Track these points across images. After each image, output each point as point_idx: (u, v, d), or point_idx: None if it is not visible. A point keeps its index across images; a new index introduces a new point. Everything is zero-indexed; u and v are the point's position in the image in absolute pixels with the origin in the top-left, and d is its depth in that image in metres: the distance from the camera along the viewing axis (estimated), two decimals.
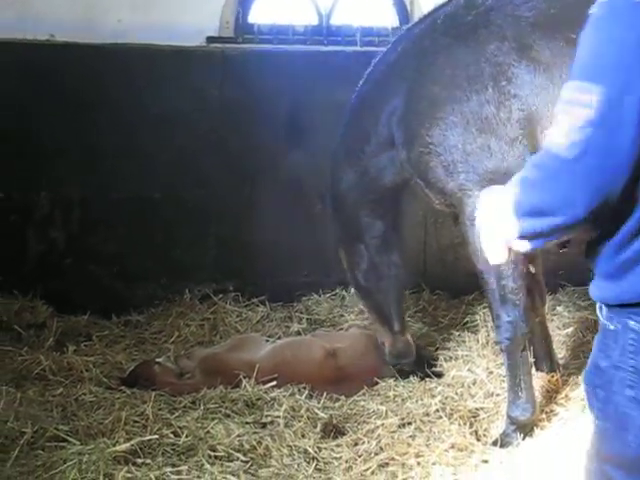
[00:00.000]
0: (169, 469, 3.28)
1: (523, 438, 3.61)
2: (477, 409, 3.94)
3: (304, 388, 4.10)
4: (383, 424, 3.74)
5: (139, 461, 3.35)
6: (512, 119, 3.46)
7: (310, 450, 3.52)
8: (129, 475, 3.21)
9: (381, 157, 3.99)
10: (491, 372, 4.28)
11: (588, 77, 1.75)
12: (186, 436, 3.56)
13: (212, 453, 3.44)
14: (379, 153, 3.98)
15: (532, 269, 4.00)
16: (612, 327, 1.88)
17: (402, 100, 3.75)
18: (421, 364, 4.39)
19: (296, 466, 3.41)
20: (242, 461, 3.41)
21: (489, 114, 3.48)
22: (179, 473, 3.27)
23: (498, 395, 4.01)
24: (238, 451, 3.47)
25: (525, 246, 1.88)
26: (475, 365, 4.38)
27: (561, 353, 4.51)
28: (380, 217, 4.18)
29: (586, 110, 1.72)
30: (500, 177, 3.47)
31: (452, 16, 3.65)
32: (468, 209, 3.58)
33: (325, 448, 3.58)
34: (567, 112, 1.77)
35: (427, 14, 3.86)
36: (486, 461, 3.47)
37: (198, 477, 3.26)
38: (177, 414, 3.82)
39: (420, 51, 3.72)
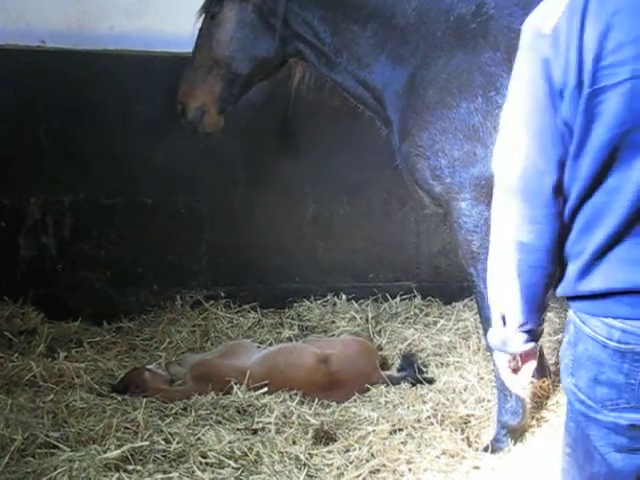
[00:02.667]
0: (160, 476, 3.28)
1: (514, 444, 3.62)
2: (468, 415, 3.94)
3: (295, 394, 4.10)
4: (374, 430, 3.74)
5: (130, 468, 3.33)
6: (498, 128, 3.48)
7: (301, 456, 3.52)
8: None
9: (341, 72, 3.92)
10: (482, 378, 4.29)
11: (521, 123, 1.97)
12: (177, 443, 3.55)
13: (203, 460, 3.43)
14: (342, 69, 3.91)
15: None
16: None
17: (402, 82, 3.73)
18: (412, 370, 4.40)
19: (287, 473, 3.40)
20: (233, 468, 3.40)
21: (476, 122, 3.52)
22: None
23: (489, 401, 4.01)
24: (229, 458, 3.47)
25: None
26: (466, 371, 4.39)
27: (552, 359, 4.51)
28: None
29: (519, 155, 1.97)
30: (485, 182, 3.51)
31: (462, 19, 3.64)
32: (455, 213, 3.61)
33: (316, 454, 3.58)
34: (514, 145, 2.01)
35: None
36: (477, 467, 3.47)
37: None
38: (168, 421, 3.81)
39: (431, 37, 3.67)
